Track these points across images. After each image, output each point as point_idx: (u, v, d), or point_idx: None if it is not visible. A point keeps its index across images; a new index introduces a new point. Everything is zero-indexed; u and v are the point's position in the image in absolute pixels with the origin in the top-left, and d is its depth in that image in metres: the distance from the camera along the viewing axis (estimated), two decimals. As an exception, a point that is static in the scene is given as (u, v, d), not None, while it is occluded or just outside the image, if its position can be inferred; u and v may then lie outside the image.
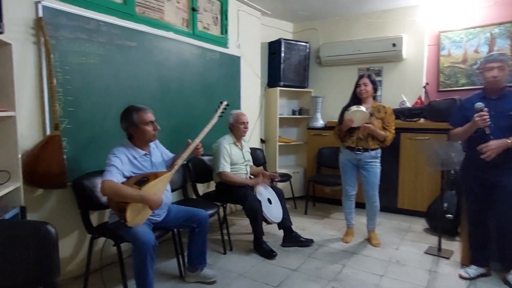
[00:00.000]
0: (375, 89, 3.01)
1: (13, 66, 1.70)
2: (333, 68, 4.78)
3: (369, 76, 2.97)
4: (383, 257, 2.86)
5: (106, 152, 2.05)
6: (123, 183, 1.95)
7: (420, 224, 3.65)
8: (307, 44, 4.75)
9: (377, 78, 4.33)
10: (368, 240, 3.18)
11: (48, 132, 2.16)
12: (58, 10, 2.21)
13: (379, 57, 4.32)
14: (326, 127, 4.50)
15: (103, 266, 2.52)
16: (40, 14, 2.09)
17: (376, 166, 2.99)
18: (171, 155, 2.47)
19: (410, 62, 4.25)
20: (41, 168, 1.99)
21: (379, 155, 3.01)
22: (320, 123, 4.61)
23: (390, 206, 3.93)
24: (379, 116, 2.95)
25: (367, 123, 2.85)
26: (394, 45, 4.14)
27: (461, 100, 2.44)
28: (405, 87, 4.26)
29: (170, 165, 2.37)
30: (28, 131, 2.10)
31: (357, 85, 2.96)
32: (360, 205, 3.35)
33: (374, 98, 3.05)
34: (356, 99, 2.98)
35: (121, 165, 1.98)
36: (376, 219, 3.15)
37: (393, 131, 2.96)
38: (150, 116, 2.15)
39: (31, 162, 1.98)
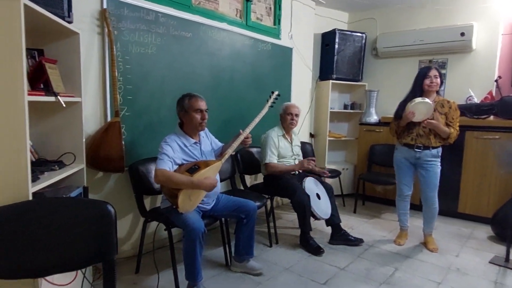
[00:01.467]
0: (441, 83, 2.77)
1: (81, 54, 1.80)
2: (391, 60, 4.52)
3: (437, 68, 2.75)
4: (441, 263, 2.65)
5: (160, 140, 2.11)
6: (175, 170, 2.00)
7: (484, 231, 3.34)
8: (363, 35, 4.52)
9: (441, 71, 4.00)
10: (424, 244, 2.97)
11: (109, 119, 2.28)
12: (121, 1, 2.31)
13: (445, 48, 3.99)
14: (380, 123, 4.27)
15: (155, 249, 2.63)
16: (105, 5, 2.20)
17: (436, 166, 2.77)
18: (220, 144, 2.49)
19: (481, 53, 3.87)
20: (102, 152, 2.11)
21: (440, 153, 2.78)
22: (373, 118, 4.39)
23: (449, 209, 3.64)
24: (443, 112, 2.71)
25: (430, 119, 2.64)
26: (462, 34, 3.79)
27: None
28: (473, 81, 3.90)
29: (219, 154, 2.39)
30: (91, 117, 2.24)
31: (426, 77, 2.73)
32: (414, 207, 3.13)
33: (437, 92, 2.81)
34: (419, 92, 2.76)
35: (172, 153, 2.04)
36: (434, 223, 2.93)
37: (458, 128, 2.72)
38: (201, 104, 2.17)
39: (93, 146, 2.11)
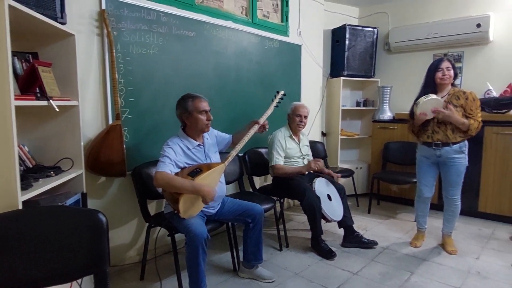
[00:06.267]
0: (455, 75, 2.62)
1: (77, 56, 1.76)
2: (404, 55, 4.36)
3: (449, 60, 2.60)
4: (460, 266, 2.51)
5: (164, 143, 2.05)
6: (176, 174, 1.94)
7: (506, 231, 3.17)
8: (375, 30, 4.38)
9: (457, 65, 3.84)
10: (442, 246, 2.82)
11: (110, 122, 2.24)
12: (120, 1, 2.26)
13: (460, 40, 3.81)
14: (395, 120, 4.13)
15: (160, 255, 2.59)
16: (104, 6, 2.15)
17: (460, 163, 2.59)
18: (227, 136, 2.46)
19: (499, 45, 3.69)
20: (103, 156, 2.06)
21: (464, 148, 2.59)
22: (387, 115, 4.24)
23: (469, 209, 3.47)
24: (458, 104, 2.54)
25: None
26: (478, 25, 3.61)
27: None
28: (491, 74, 3.72)
29: (229, 145, 2.44)
30: (91, 120, 2.20)
31: (438, 69, 2.58)
32: (432, 206, 2.98)
33: (453, 85, 2.66)
34: (431, 86, 2.62)
35: (174, 156, 1.97)
36: (454, 222, 2.77)
37: (479, 119, 2.52)
38: (205, 105, 2.11)
39: (94, 150, 2.06)
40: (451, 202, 2.70)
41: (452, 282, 2.28)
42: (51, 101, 1.47)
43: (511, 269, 2.46)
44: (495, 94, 3.56)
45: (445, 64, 2.56)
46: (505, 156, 3.29)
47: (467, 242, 2.94)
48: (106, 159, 2.07)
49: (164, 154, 1.96)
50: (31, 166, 1.64)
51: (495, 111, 3.40)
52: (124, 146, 2.17)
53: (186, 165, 2.04)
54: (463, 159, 2.60)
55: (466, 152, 2.61)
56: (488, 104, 3.43)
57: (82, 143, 1.84)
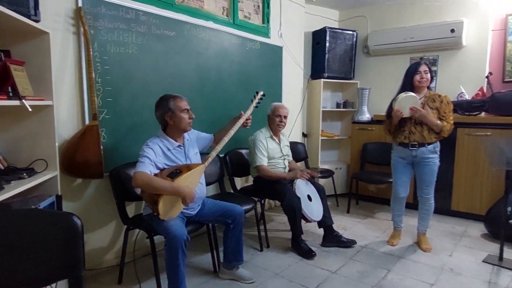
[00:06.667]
0: (431, 79, 2.71)
1: (51, 55, 1.71)
2: (382, 58, 4.47)
3: (426, 64, 2.68)
4: (434, 263, 2.59)
5: (143, 143, 2.02)
6: (156, 175, 1.91)
7: (477, 229, 3.29)
8: (354, 33, 4.46)
9: (432, 68, 3.95)
10: (418, 243, 2.91)
11: (87, 122, 2.19)
12: None
13: (435, 45, 3.95)
14: (373, 121, 4.22)
15: (138, 258, 2.55)
16: (80, 3, 2.10)
17: (434, 163, 2.69)
18: (209, 135, 2.45)
19: (471, 50, 3.83)
20: (79, 157, 2.01)
21: (437, 148, 2.70)
22: (366, 116, 4.33)
23: (442, 208, 3.58)
24: (434, 106, 2.64)
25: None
26: (452, 30, 3.74)
27: None
28: (464, 78, 3.86)
29: (210, 143, 2.43)
30: (67, 120, 2.14)
31: (416, 73, 2.66)
32: (408, 205, 3.07)
33: (428, 88, 2.75)
34: (409, 88, 2.69)
35: (154, 157, 1.94)
36: (429, 220, 2.87)
37: (452, 122, 2.64)
38: (185, 104, 2.10)
39: (69, 151, 2.01)
40: (426, 201, 2.79)
41: (426, 279, 2.36)
42: (23, 100, 1.42)
43: (482, 265, 2.57)
44: (467, 97, 3.69)
45: (423, 68, 2.64)
46: (476, 157, 3.42)
47: (441, 240, 3.04)
48: (82, 160, 2.02)
49: (144, 155, 1.93)
50: (2, 168, 1.58)
51: (467, 113, 3.54)
52: (102, 147, 2.13)
53: (166, 166, 2.02)
54: (436, 159, 2.70)
55: (439, 152, 2.71)
56: (461, 106, 3.56)
57: (56, 144, 1.79)
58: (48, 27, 1.71)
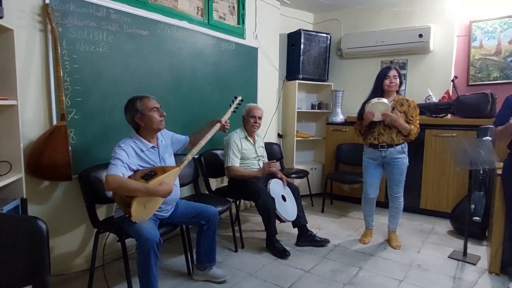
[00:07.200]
0: (400, 83, 2.81)
1: (15, 53, 1.64)
2: (355, 61, 4.58)
3: (396, 68, 2.78)
4: (403, 260, 2.68)
5: (115, 145, 1.97)
6: (130, 177, 1.88)
7: (444, 226, 3.44)
8: (328, 36, 4.55)
9: (402, 71, 4.10)
10: (388, 241, 3.01)
11: (54, 122, 2.11)
12: (66, -4, 2.14)
13: (404, 49, 4.09)
14: (346, 122, 4.32)
15: (109, 262, 2.49)
16: (47, 0, 2.03)
17: (402, 163, 2.80)
18: (184, 137, 2.43)
19: (438, 54, 4.00)
20: (45, 159, 1.94)
21: (405, 149, 2.81)
22: (340, 118, 4.42)
23: (412, 206, 3.73)
24: (402, 110, 2.75)
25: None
26: (420, 36, 3.89)
27: (509, 96, 2.23)
28: (431, 81, 4.02)
29: (186, 145, 2.44)
30: (33, 121, 2.06)
31: (386, 77, 2.75)
32: (379, 204, 3.17)
33: (397, 92, 2.86)
34: (379, 92, 2.79)
35: (127, 158, 1.90)
36: (398, 219, 2.97)
37: (418, 125, 2.77)
38: (154, 102, 2.07)
39: (35, 152, 1.93)
40: (395, 200, 2.89)
41: (395, 275, 2.44)
42: (-16, 100, 1.36)
43: (448, 260, 2.68)
44: (434, 99, 3.85)
45: (393, 73, 2.74)
46: (443, 157, 3.57)
47: (409, 237, 3.15)
48: (49, 162, 1.95)
49: (116, 157, 1.89)
50: (-39, 170, 1.50)
51: (435, 115, 3.69)
52: (70, 148, 2.06)
53: (140, 168, 1.98)
54: (405, 159, 2.81)
55: (407, 152, 2.82)
56: (429, 108, 3.71)
57: (21, 145, 1.72)
58: (12, 24, 1.64)
